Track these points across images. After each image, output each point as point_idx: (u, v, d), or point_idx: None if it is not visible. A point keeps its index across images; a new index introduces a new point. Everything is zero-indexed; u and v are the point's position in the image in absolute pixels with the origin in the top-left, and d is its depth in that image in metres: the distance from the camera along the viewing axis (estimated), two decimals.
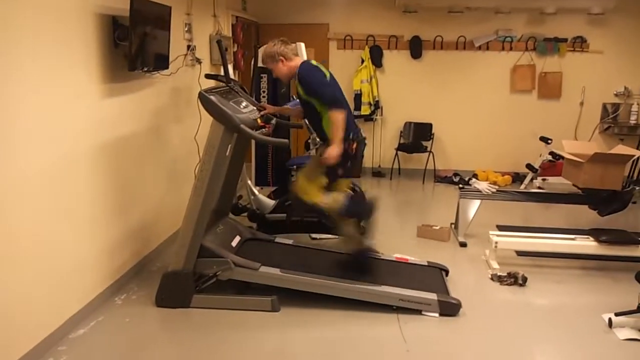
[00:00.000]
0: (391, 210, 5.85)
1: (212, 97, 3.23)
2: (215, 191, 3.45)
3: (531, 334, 3.19)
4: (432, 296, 3.36)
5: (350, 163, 3.50)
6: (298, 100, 3.66)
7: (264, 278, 3.40)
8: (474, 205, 4.69)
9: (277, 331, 3.18)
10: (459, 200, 4.76)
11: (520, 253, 4.35)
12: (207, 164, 3.28)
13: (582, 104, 7.01)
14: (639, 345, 3.05)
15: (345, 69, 7.03)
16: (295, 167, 5.35)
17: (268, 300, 3.36)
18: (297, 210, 4.25)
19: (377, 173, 7.33)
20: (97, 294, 3.38)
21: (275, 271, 3.41)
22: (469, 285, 3.81)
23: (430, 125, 7.16)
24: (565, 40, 6.86)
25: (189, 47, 4.67)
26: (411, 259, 3.99)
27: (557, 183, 5.97)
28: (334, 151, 3.34)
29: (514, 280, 3.82)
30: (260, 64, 5.02)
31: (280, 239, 4.11)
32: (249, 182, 4.81)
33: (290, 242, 4.09)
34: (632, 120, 6.72)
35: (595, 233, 4.08)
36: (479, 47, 7.01)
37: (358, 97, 7.03)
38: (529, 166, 6.50)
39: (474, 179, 5.89)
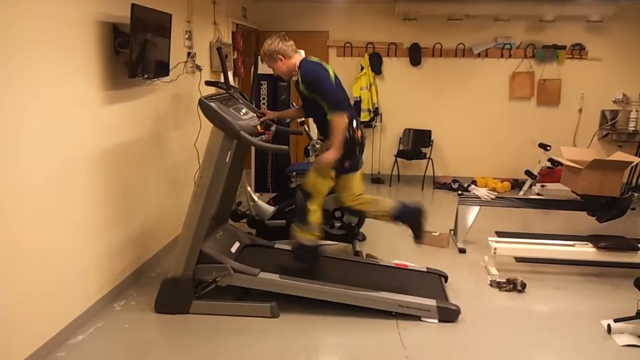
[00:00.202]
0: None
1: (212, 104, 3.24)
2: (214, 197, 3.46)
3: (530, 340, 3.19)
4: (432, 302, 3.37)
5: (359, 152, 3.52)
6: (297, 106, 3.67)
7: (263, 284, 3.40)
8: (473, 212, 4.70)
9: (277, 337, 3.18)
10: (458, 207, 4.77)
11: (519, 259, 4.35)
12: (206, 170, 3.29)
13: (580, 110, 7.04)
14: (638, 351, 3.06)
15: (345, 76, 6.97)
16: (294, 173, 5.37)
17: (267, 307, 3.37)
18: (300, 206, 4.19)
19: (377, 179, 7.34)
20: (97, 300, 3.38)
21: (275, 277, 3.41)
22: (468, 292, 3.81)
23: (429, 132, 7.18)
24: (564, 47, 6.90)
25: (189, 54, 4.69)
26: (410, 265, 4.00)
27: (556, 189, 5.99)
28: (331, 156, 3.36)
29: (513, 286, 3.83)
30: (260, 71, 5.07)
31: (279, 245, 4.12)
32: (249, 188, 4.82)
33: (289, 248, 4.09)
34: (631, 126, 6.74)
35: (594, 239, 4.09)
36: (478, 55, 7.04)
37: (357, 104, 7.05)
38: (528, 173, 6.52)
39: (473, 186, 5.91)
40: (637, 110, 6.74)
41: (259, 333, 3.20)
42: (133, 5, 3.31)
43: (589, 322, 3.37)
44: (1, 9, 2.48)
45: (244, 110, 3.54)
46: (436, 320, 3.34)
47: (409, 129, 7.27)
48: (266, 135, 3.58)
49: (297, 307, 3.41)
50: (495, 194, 4.86)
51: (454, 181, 7.00)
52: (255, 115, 3.64)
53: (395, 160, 7.22)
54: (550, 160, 6.44)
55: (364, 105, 7.09)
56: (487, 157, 7.25)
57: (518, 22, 6.92)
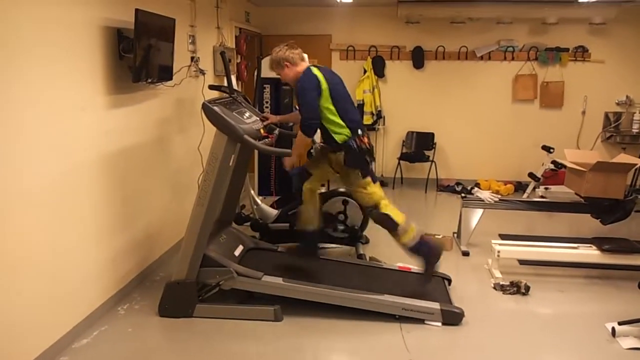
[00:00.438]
0: None
1: (216, 108, 3.26)
2: (218, 201, 3.47)
3: (534, 343, 3.18)
4: (435, 305, 3.36)
5: (370, 158, 3.54)
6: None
7: (266, 287, 3.40)
8: (476, 215, 4.70)
9: (280, 341, 3.18)
10: (462, 210, 4.76)
11: (523, 262, 4.34)
12: (210, 174, 3.30)
13: (584, 113, 7.03)
14: None
15: (348, 80, 6.93)
16: (297, 176, 5.38)
17: (271, 310, 3.37)
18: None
19: (380, 182, 7.29)
20: (101, 304, 3.39)
21: (278, 280, 3.41)
22: (471, 295, 3.80)
23: (432, 135, 7.18)
24: (567, 49, 6.90)
25: (192, 58, 4.71)
26: (414, 268, 3.99)
27: (560, 192, 5.98)
28: (289, 161, 3.59)
29: (517, 289, 3.82)
30: (263, 75, 5.09)
31: (283, 248, 4.12)
32: (252, 191, 4.83)
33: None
34: (635, 129, 6.71)
35: (598, 242, 4.08)
36: (481, 57, 7.04)
37: (360, 107, 7.05)
38: (531, 175, 6.50)
39: (476, 188, 5.89)
40: None
41: (262, 336, 3.21)
42: (137, 10, 3.33)
43: (593, 325, 3.36)
44: (6, 13, 2.50)
45: (247, 114, 3.56)
46: (440, 324, 3.34)
47: (412, 132, 7.28)
48: (269, 139, 3.59)
49: (300, 310, 3.41)
50: (499, 196, 4.86)
51: (457, 184, 6.99)
52: (258, 119, 3.65)
53: (399, 163, 7.22)
54: (553, 162, 6.43)
55: (366, 109, 7.10)
56: (491, 160, 7.24)
57: (521, 24, 6.92)
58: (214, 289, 3.43)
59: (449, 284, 3.85)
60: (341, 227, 4.39)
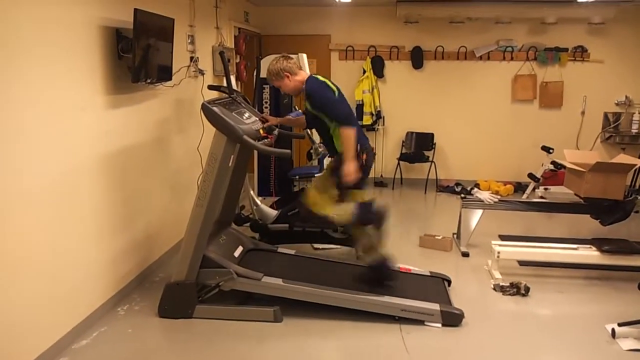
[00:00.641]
0: (393, 220, 5.82)
1: (215, 108, 3.25)
2: (217, 202, 3.47)
3: (534, 344, 3.18)
4: (435, 306, 3.36)
5: (363, 174, 3.51)
6: (300, 112, 3.68)
7: (266, 288, 3.40)
8: (476, 215, 4.70)
9: (280, 342, 3.17)
10: (461, 210, 4.76)
11: (523, 263, 4.34)
12: (209, 174, 3.30)
13: (583, 113, 7.04)
14: None
15: (347, 80, 7.07)
16: (297, 177, 5.38)
17: (270, 311, 3.37)
18: (304, 220, 4.22)
19: (380, 183, 7.34)
20: (100, 305, 3.39)
21: (278, 281, 3.41)
22: (471, 296, 3.80)
23: (432, 135, 7.18)
24: (566, 49, 6.90)
25: (191, 58, 4.70)
26: (414, 269, 3.99)
27: (559, 192, 5.99)
28: (349, 168, 3.37)
29: (517, 290, 3.82)
30: (262, 75, 5.08)
31: (282, 249, 4.12)
32: (252, 192, 4.82)
33: (292, 252, 4.09)
34: (634, 129, 6.72)
35: (598, 243, 4.08)
36: (480, 57, 7.04)
37: (360, 107, 7.07)
38: (530, 176, 6.50)
39: (476, 189, 5.87)
40: (639, 113, 6.72)
41: (262, 337, 3.20)
42: (136, 10, 3.32)
43: (593, 326, 3.36)
44: (5, 13, 2.49)
45: (246, 115, 3.55)
46: (439, 325, 3.33)
47: (412, 132, 7.27)
48: (269, 139, 3.59)
49: (300, 311, 3.40)
50: (498, 197, 4.86)
51: (457, 184, 6.98)
52: (258, 119, 3.65)
53: (398, 164, 7.22)
54: (553, 163, 6.43)
55: (366, 109, 7.10)
56: (490, 160, 7.24)
57: (520, 24, 6.93)
58: (213, 290, 3.42)
59: (449, 285, 3.85)
60: (341, 228, 4.38)
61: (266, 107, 5.76)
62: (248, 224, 4.68)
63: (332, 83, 3.55)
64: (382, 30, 7.15)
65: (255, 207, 4.74)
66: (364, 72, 7.14)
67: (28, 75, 2.66)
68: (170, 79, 4.03)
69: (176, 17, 3.98)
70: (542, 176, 6.51)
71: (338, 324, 3.34)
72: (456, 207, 4.99)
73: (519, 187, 6.95)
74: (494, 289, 3.90)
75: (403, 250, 4.65)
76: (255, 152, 5.38)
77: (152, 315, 3.43)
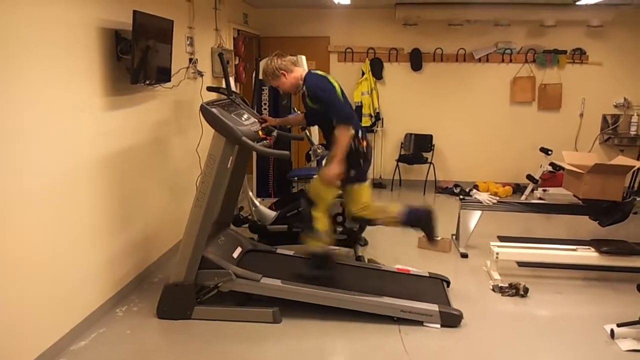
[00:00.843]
0: None
1: (214, 110, 3.25)
2: (216, 203, 3.47)
3: (533, 345, 3.18)
4: (434, 307, 3.36)
5: (364, 163, 3.50)
6: (298, 112, 3.68)
7: (265, 289, 3.40)
8: (474, 216, 4.70)
9: (279, 343, 3.17)
10: (460, 211, 4.77)
11: (522, 264, 4.34)
12: (208, 175, 3.30)
13: (582, 115, 7.05)
14: None
15: (346, 82, 7.01)
16: (296, 178, 5.38)
17: (269, 312, 3.36)
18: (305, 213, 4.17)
19: (378, 184, 7.34)
20: (99, 306, 3.38)
21: (277, 282, 3.41)
22: (470, 297, 3.80)
23: (430, 137, 7.19)
24: (564, 52, 6.91)
25: (190, 60, 4.71)
26: (412, 270, 3.99)
27: (558, 194, 5.99)
28: (331, 170, 3.34)
29: (516, 291, 3.82)
30: (261, 77, 5.09)
31: (281, 250, 4.12)
32: (250, 193, 4.83)
33: (291, 253, 4.09)
34: (632, 131, 6.72)
35: (596, 244, 4.08)
36: (479, 59, 7.05)
37: (359, 109, 7.06)
38: (529, 177, 6.51)
39: (474, 190, 5.91)
40: (638, 115, 6.71)
41: (261, 339, 3.20)
42: (135, 11, 3.33)
43: (592, 327, 3.36)
44: (3, 13, 2.50)
45: (245, 116, 3.55)
46: (438, 326, 3.34)
47: (410, 134, 7.28)
48: (267, 141, 3.59)
49: (299, 312, 3.40)
50: (497, 198, 4.86)
51: (456, 186, 7.00)
52: (256, 120, 3.65)
53: (397, 165, 7.23)
54: (551, 164, 6.44)
55: (365, 110, 7.10)
56: (489, 162, 7.24)
57: (518, 27, 6.94)
58: (212, 291, 3.42)
59: (448, 286, 3.85)
60: (339, 229, 4.38)
61: (265, 109, 5.77)
62: (247, 225, 4.68)
63: (334, 80, 3.52)
64: (381, 32, 7.16)
65: (254, 208, 4.75)
66: (363, 74, 7.15)
67: (28, 75, 2.66)
68: (169, 81, 4.03)
69: (175, 19, 3.99)
70: (540, 177, 6.52)
71: (337, 325, 3.34)
72: (455, 208, 5.00)
73: (518, 189, 6.95)
74: (493, 289, 3.90)
75: (402, 251, 4.65)
76: (254, 154, 5.39)
77: (150, 317, 3.43)
